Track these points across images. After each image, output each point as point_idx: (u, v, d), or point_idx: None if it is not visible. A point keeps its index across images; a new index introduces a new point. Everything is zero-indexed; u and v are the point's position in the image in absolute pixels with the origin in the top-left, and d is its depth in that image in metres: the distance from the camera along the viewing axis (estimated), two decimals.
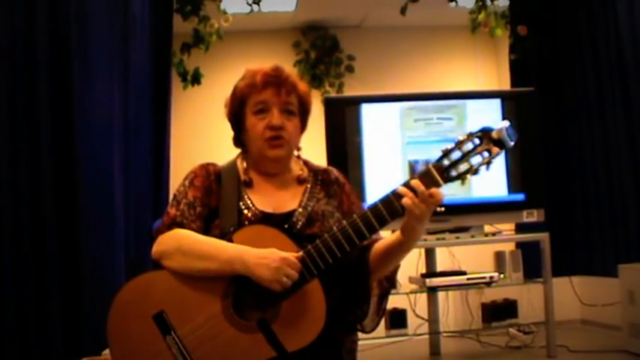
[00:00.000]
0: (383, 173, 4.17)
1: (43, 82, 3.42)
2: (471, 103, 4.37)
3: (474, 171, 1.73)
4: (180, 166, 2.41)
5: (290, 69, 2.05)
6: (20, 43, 3.39)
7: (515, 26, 5.42)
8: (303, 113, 2.05)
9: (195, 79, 5.23)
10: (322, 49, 6.37)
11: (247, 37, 6.12)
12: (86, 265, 3.41)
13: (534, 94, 4.59)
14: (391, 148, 4.23)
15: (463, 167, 1.73)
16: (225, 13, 5.13)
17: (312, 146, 4.72)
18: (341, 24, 6.38)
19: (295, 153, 2.09)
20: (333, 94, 6.18)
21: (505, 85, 5.97)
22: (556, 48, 5.59)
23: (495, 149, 1.71)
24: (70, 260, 3.40)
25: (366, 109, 4.26)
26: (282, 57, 6.23)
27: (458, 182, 1.76)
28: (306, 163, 2.13)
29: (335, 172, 2.14)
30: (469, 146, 1.72)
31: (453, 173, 1.74)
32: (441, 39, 6.62)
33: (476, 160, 1.72)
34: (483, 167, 1.73)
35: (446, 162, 1.74)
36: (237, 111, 2.03)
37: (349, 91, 6.24)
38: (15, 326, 3.22)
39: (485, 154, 1.72)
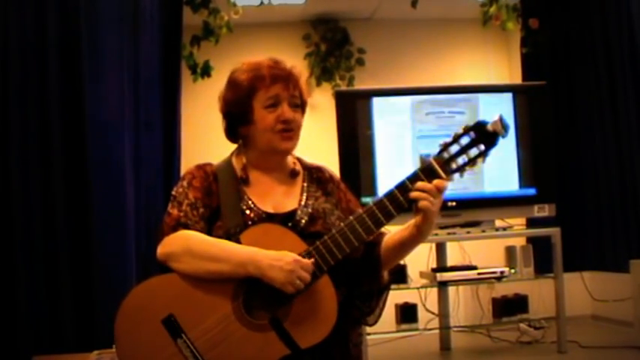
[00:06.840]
0: (394, 166, 4.16)
1: (53, 76, 3.43)
2: (482, 97, 4.35)
3: (472, 164, 1.80)
4: (191, 159, 2.39)
5: (300, 62, 2.04)
6: (30, 37, 3.39)
7: (527, 19, 5.40)
8: (303, 105, 2.05)
9: (205, 71, 5.21)
10: (332, 42, 6.32)
11: (257, 30, 6.09)
12: (97, 259, 3.42)
13: (546, 88, 4.57)
14: (402, 142, 4.22)
15: (462, 160, 1.79)
16: (234, 5, 5.10)
17: (324, 139, 4.78)
18: (351, 16, 6.34)
19: None
20: (343, 87, 6.14)
21: (516, 78, 5.93)
22: (568, 41, 5.55)
23: (491, 141, 1.78)
24: (82, 253, 3.41)
25: (377, 102, 4.24)
26: (292, 50, 6.20)
27: (457, 175, 1.82)
28: (299, 159, 2.12)
29: (328, 170, 2.15)
30: (466, 139, 1.79)
31: (453, 166, 1.80)
32: (451, 32, 6.56)
33: (473, 152, 1.79)
34: (480, 160, 1.80)
35: (445, 155, 1.80)
36: (242, 103, 1.98)
37: (360, 84, 6.20)
38: (27, 319, 3.24)
39: (482, 146, 1.79)
